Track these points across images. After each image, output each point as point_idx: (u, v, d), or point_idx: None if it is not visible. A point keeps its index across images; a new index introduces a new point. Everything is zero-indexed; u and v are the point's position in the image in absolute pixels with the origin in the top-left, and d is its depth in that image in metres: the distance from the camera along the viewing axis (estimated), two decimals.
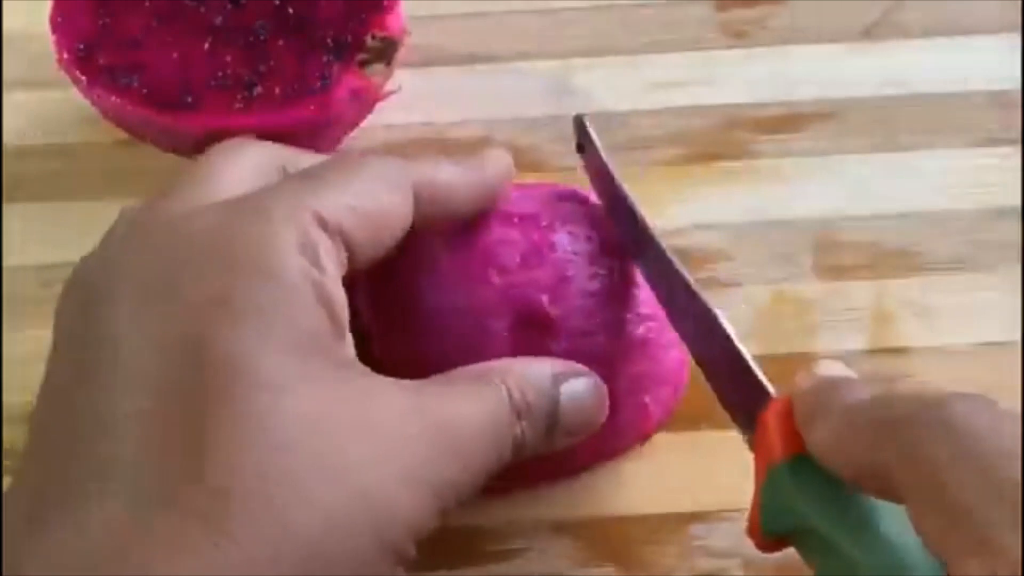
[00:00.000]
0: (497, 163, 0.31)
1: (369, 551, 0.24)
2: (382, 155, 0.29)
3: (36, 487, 0.24)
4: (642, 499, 0.33)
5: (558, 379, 0.29)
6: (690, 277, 0.30)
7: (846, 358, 0.36)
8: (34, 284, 0.38)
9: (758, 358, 0.35)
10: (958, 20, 0.43)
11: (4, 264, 0.39)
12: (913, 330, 0.36)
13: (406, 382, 0.27)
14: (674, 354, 0.34)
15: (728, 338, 0.29)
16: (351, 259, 0.27)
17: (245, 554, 0.22)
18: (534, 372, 0.29)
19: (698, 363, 0.31)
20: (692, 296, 0.30)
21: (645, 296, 0.33)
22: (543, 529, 0.33)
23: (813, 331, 0.36)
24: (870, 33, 0.43)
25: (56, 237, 0.39)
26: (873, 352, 0.36)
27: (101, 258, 0.27)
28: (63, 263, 0.38)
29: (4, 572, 0.23)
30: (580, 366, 0.30)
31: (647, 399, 0.33)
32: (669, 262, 0.30)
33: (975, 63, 0.42)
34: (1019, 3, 0.43)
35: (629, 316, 0.32)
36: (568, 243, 0.32)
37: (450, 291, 0.31)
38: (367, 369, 0.27)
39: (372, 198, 0.27)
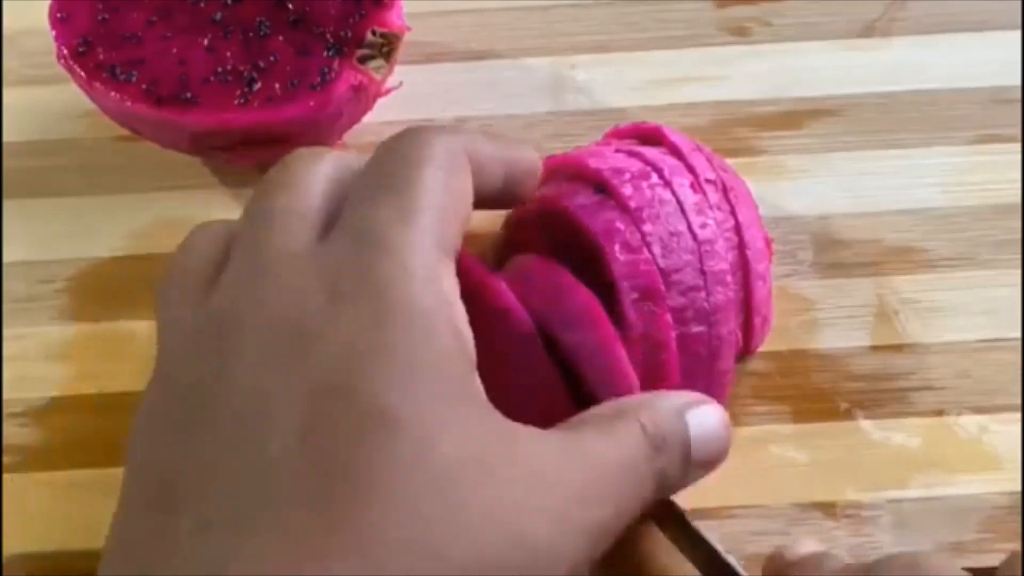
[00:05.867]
0: (532, 156, 0.31)
1: None
2: (429, 130, 0.28)
3: (165, 520, 0.23)
4: None
5: (684, 410, 0.28)
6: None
7: (847, 355, 0.36)
8: (33, 281, 0.38)
9: (759, 356, 0.35)
10: (959, 17, 0.43)
11: (4, 260, 0.39)
12: (914, 327, 0.36)
13: (541, 429, 0.26)
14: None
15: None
16: None
17: None
18: (663, 404, 0.28)
19: None
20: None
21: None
22: None
23: (814, 328, 0.36)
24: (871, 30, 0.43)
25: (56, 233, 0.39)
26: (874, 349, 0.36)
27: (219, 306, 0.26)
28: (62, 259, 0.39)
29: None
30: (703, 396, 0.29)
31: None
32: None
33: (976, 60, 0.42)
34: (1019, 1, 0.43)
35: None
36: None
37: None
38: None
39: (455, 195, 0.26)
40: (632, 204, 0.32)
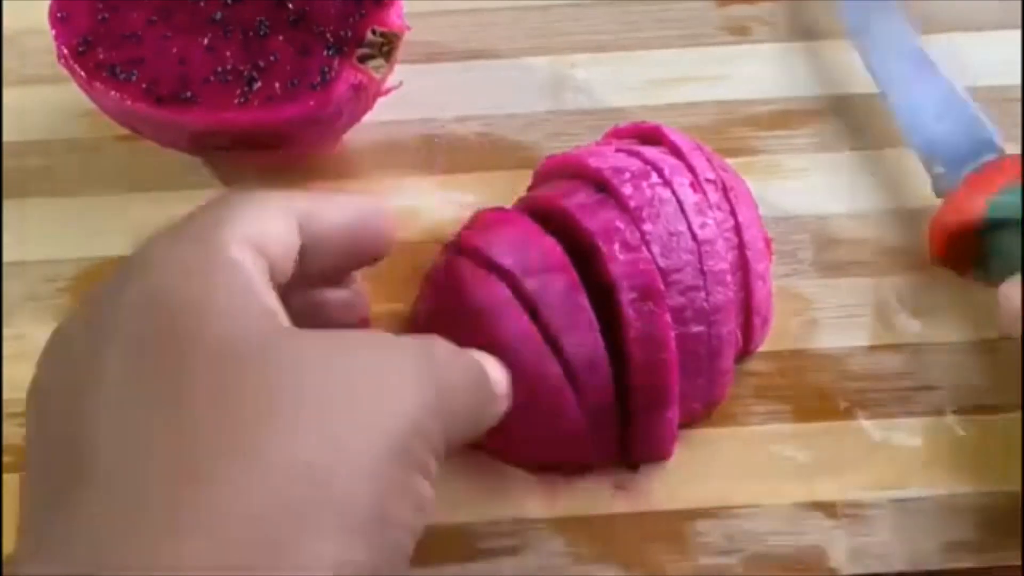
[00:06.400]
0: (380, 209, 0.30)
1: (372, 449, 0.23)
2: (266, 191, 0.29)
3: (40, 485, 0.25)
4: (642, 496, 0.33)
5: (457, 349, 0.28)
6: None
7: (847, 355, 0.36)
8: (34, 280, 0.38)
9: (759, 355, 0.35)
10: (958, 17, 0.43)
11: (4, 260, 0.39)
12: (914, 327, 0.36)
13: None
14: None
15: None
16: (272, 276, 0.27)
17: (223, 494, 0.22)
18: (439, 340, 0.28)
19: None
20: None
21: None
22: (538, 527, 0.33)
23: (814, 328, 0.36)
24: None
25: (56, 233, 0.39)
26: (874, 349, 0.36)
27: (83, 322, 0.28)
28: (63, 259, 0.39)
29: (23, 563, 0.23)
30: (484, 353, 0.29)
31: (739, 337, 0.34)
32: None
33: (975, 60, 0.42)
34: (1019, 1, 0.43)
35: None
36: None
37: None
38: None
39: (269, 221, 0.27)
40: (632, 203, 0.32)
